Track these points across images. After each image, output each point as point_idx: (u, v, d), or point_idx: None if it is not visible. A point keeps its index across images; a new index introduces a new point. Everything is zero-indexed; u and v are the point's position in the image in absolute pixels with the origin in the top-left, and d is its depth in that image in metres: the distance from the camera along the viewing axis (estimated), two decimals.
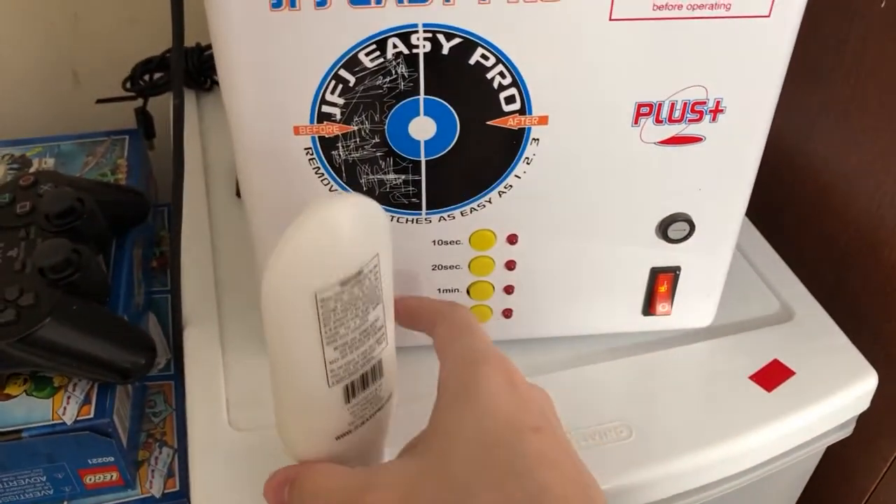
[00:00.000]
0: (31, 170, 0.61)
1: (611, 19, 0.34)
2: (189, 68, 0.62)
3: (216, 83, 0.67)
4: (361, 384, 0.33)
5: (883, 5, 0.45)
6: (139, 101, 0.67)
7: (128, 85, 0.65)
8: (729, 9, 0.35)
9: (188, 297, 0.49)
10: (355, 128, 0.36)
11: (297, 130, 0.36)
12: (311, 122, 0.36)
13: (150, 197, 0.64)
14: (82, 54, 0.71)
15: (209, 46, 0.63)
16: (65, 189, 0.50)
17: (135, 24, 0.69)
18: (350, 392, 0.33)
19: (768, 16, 0.35)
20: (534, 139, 0.38)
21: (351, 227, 0.30)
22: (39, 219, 0.49)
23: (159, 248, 0.65)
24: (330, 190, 0.38)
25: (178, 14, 0.39)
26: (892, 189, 0.48)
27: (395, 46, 0.34)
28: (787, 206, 0.59)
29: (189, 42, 0.41)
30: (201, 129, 0.63)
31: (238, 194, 0.58)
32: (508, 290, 0.43)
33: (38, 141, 0.64)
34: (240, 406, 0.43)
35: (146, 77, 0.65)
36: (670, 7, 0.34)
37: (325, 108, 0.36)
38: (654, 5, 0.34)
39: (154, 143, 0.69)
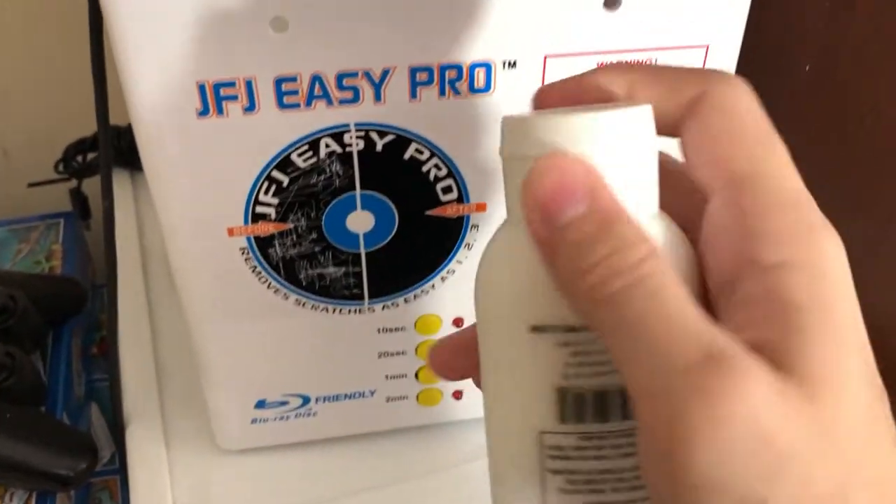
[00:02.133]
0: None
1: None
2: (122, 147, 0.61)
3: None
4: None
5: (808, 68, 0.46)
6: (73, 182, 0.65)
7: (60, 167, 0.63)
8: None
9: (129, 390, 0.48)
10: (291, 225, 0.36)
11: (231, 232, 0.36)
12: (246, 223, 0.35)
13: (88, 281, 0.63)
14: (12, 133, 0.69)
15: None
16: None
17: (66, 100, 0.68)
18: None
19: None
20: (473, 226, 0.37)
21: None
22: None
23: (100, 333, 0.63)
24: (268, 287, 0.38)
25: (102, 108, 0.39)
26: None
27: (327, 146, 0.34)
28: None
29: (120, 119, 0.40)
30: (137, 209, 0.62)
31: None
32: None
33: None
34: None
35: (79, 158, 0.63)
36: None
37: (260, 209, 0.35)
38: None
39: (90, 224, 0.67)
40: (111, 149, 0.40)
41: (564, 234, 0.19)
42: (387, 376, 0.42)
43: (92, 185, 0.66)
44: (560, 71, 0.33)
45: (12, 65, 0.67)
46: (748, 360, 0.16)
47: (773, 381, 0.16)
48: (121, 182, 0.62)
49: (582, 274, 0.18)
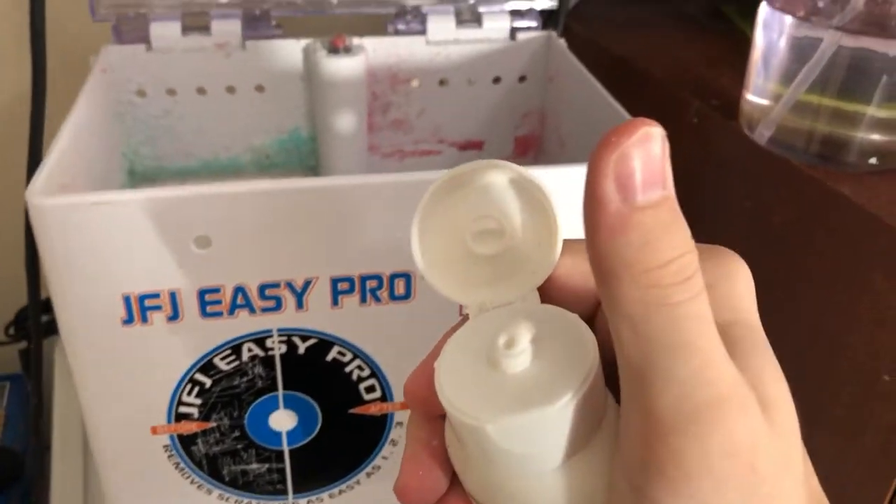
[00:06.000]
0: None
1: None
2: None
3: None
4: None
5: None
6: (24, 343, 0.65)
7: (11, 330, 0.64)
8: None
9: None
10: (214, 424, 0.36)
11: (154, 430, 0.36)
12: (169, 422, 0.36)
13: (30, 446, 0.62)
14: None
15: None
16: None
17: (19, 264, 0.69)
18: None
19: None
20: (398, 423, 0.38)
21: None
22: None
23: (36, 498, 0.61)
24: (191, 483, 0.38)
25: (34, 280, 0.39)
26: None
27: (250, 350, 0.35)
28: None
29: None
30: None
31: None
32: None
33: None
34: None
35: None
36: None
37: (183, 409, 0.35)
38: None
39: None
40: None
41: (643, 214, 0.18)
42: None
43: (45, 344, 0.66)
44: None
45: None
46: (753, 401, 0.18)
47: (760, 415, 0.18)
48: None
49: (654, 269, 0.18)
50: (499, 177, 0.23)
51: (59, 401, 0.59)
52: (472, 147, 0.52)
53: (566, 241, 0.22)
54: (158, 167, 0.49)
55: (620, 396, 0.19)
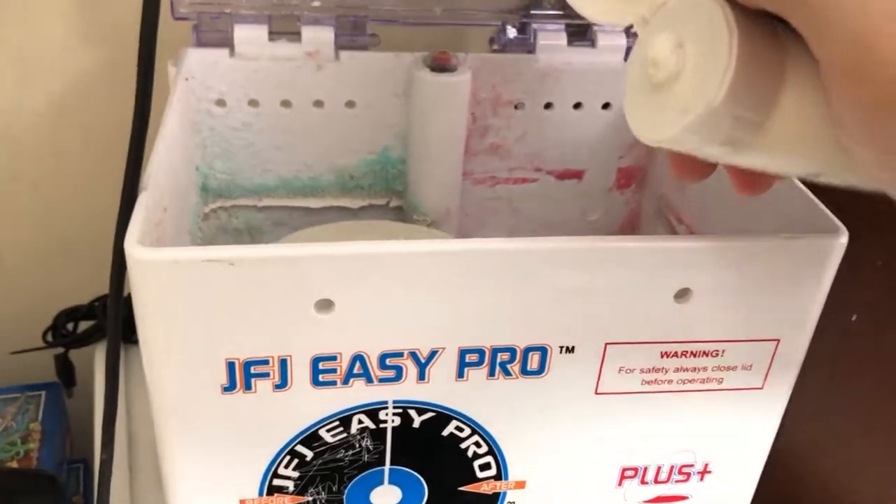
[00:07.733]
0: None
1: (596, 393, 0.32)
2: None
3: None
4: None
5: (854, 318, 0.44)
6: (59, 349, 0.61)
7: (49, 336, 0.59)
8: (721, 382, 0.32)
9: None
10: (310, 499, 0.32)
11: (243, 503, 0.32)
12: (260, 495, 0.32)
13: (64, 463, 0.58)
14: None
15: None
16: None
17: (62, 267, 0.64)
18: None
19: (761, 388, 0.33)
20: (510, 502, 0.34)
21: None
22: None
23: None
24: None
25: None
26: None
27: (360, 422, 0.31)
28: None
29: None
30: (126, 389, 0.57)
31: None
32: None
33: None
34: None
35: (69, 326, 0.60)
36: (659, 382, 0.32)
37: (277, 482, 0.31)
38: (642, 381, 0.32)
39: (73, 391, 0.63)
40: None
41: None
42: None
43: (78, 355, 0.62)
44: (619, 359, 0.31)
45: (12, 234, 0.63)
46: None
47: None
48: None
49: None
50: None
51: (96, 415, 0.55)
52: (572, 176, 0.47)
53: None
54: (232, 183, 0.44)
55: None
